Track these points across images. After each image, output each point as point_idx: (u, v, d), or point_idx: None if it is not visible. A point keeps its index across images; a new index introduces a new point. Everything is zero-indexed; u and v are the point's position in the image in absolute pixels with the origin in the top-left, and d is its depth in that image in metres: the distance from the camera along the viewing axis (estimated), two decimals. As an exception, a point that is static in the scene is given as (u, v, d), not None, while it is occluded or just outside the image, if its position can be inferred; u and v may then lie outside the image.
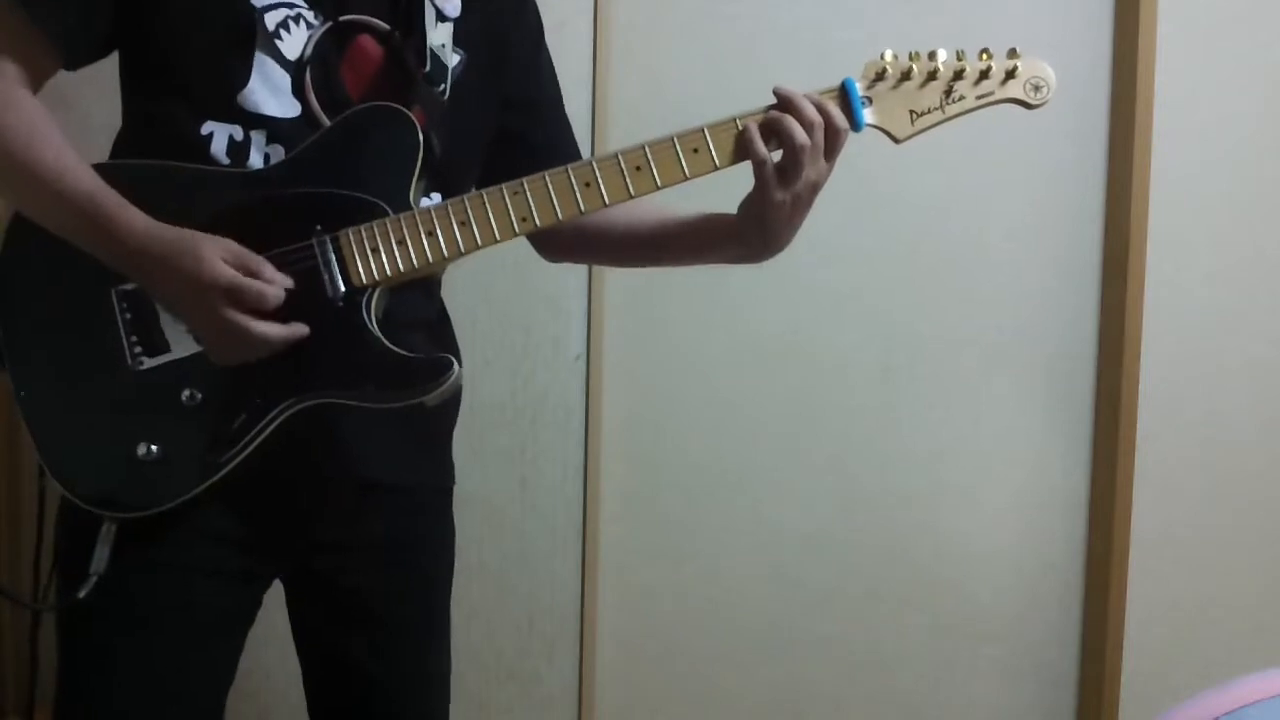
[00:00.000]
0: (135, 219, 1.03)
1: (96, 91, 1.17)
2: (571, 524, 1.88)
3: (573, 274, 1.82)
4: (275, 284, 1.03)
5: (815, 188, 1.11)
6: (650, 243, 1.28)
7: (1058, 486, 1.95)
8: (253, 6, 1.08)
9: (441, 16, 1.17)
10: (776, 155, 1.09)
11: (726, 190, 1.13)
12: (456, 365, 1.07)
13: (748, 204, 1.14)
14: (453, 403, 1.28)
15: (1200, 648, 1.95)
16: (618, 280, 1.85)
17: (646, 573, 1.92)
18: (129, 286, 1.06)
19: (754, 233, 1.16)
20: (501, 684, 1.89)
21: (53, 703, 1.14)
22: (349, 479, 1.18)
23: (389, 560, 1.23)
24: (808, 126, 1.08)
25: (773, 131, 1.09)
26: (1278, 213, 1.92)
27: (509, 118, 1.26)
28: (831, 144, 1.10)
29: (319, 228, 1.07)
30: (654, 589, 1.92)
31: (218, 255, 1.02)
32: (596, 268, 1.83)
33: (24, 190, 1.07)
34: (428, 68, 1.15)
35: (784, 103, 1.10)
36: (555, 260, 1.37)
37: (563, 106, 1.34)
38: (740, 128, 1.10)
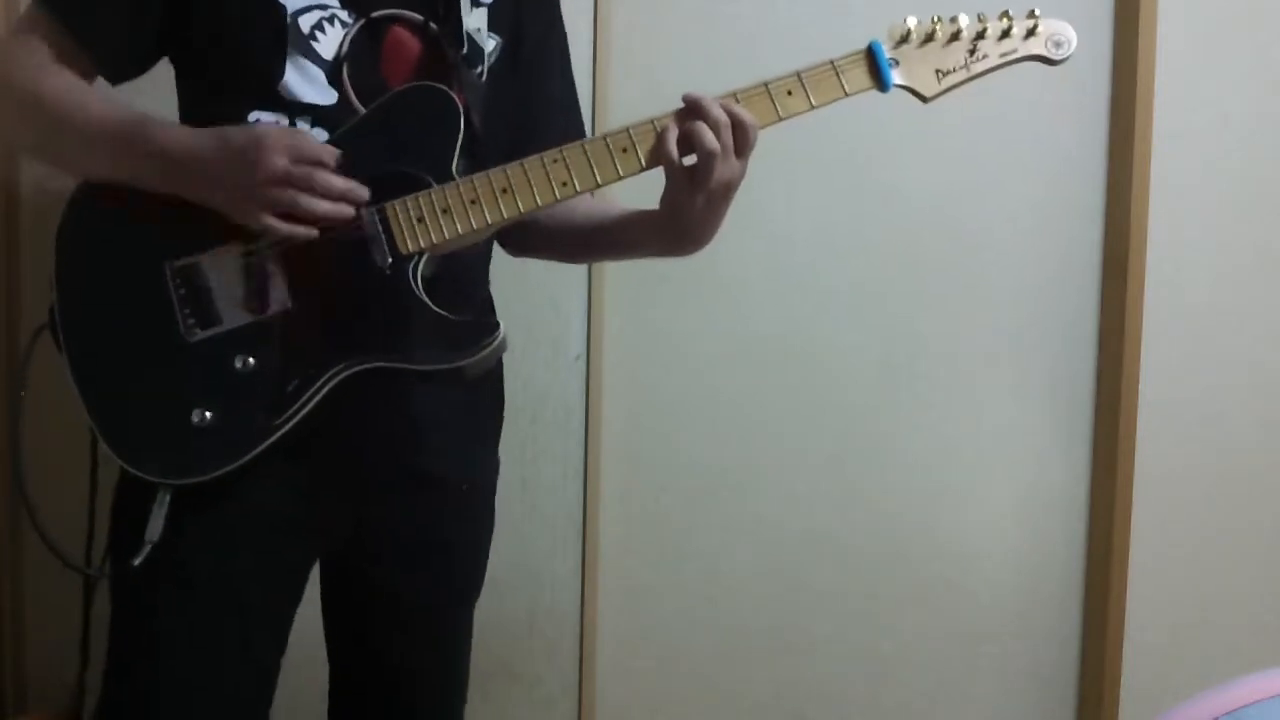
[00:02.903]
0: (181, 129, 1.08)
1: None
2: (571, 524, 1.88)
3: (573, 274, 1.82)
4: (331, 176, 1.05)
5: (730, 186, 1.12)
6: (583, 239, 1.31)
7: (1058, 486, 1.95)
8: (285, 10, 1.10)
9: (476, 1, 1.19)
10: (690, 159, 1.11)
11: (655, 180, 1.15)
12: (501, 328, 1.10)
13: (664, 203, 1.16)
14: (499, 399, 1.32)
15: (1200, 648, 1.95)
16: (618, 280, 1.84)
17: (646, 573, 1.92)
18: (183, 262, 1.09)
19: (672, 230, 1.18)
20: (501, 684, 1.89)
21: (103, 669, 1.15)
22: (403, 467, 1.20)
23: (423, 553, 1.25)
24: (715, 127, 1.09)
25: (684, 136, 1.10)
26: (1278, 213, 1.92)
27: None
28: (741, 142, 1.10)
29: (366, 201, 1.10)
30: (654, 589, 1.92)
31: (283, 143, 1.03)
32: (596, 267, 1.83)
33: (72, 136, 1.09)
34: (465, 50, 1.17)
35: (692, 107, 1.11)
36: (516, 256, 1.39)
37: (570, 84, 1.35)
38: (658, 130, 1.11)
